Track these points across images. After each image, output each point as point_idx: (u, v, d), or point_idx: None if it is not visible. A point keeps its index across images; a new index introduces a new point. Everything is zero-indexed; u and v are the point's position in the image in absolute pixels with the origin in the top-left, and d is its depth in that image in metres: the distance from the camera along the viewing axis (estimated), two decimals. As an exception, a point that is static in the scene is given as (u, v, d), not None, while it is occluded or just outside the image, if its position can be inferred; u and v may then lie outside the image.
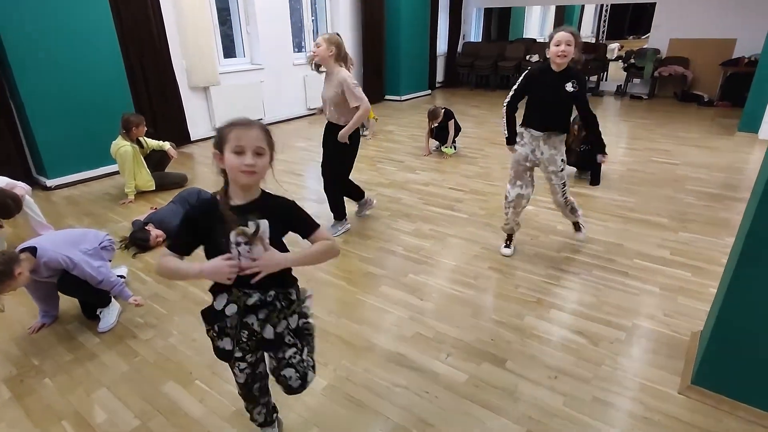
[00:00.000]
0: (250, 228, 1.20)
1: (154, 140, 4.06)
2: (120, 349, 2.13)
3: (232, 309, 1.30)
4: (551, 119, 2.60)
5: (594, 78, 9.01)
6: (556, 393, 1.85)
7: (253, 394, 1.50)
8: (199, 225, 1.25)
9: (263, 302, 1.31)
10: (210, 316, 1.34)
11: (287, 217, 1.32)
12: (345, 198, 3.31)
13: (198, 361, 2.04)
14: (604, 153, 2.90)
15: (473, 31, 10.51)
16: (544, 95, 2.56)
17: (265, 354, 1.45)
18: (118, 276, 2.51)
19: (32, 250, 2.00)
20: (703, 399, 1.80)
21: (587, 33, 12.94)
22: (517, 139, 2.74)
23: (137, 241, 3.03)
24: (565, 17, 12.62)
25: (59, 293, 2.25)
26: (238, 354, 1.37)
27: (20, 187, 2.85)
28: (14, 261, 1.91)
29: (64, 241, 2.19)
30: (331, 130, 3.01)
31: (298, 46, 7.24)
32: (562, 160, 2.69)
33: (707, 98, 7.56)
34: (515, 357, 2.05)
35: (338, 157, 3.10)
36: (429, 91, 9.31)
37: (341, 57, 2.94)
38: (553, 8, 12.49)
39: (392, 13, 8.00)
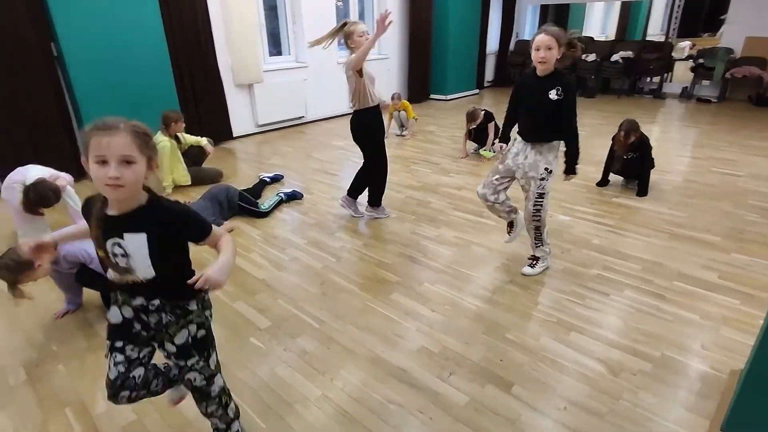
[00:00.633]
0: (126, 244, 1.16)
1: (192, 136, 4.20)
2: (131, 341, 2.20)
3: (128, 311, 1.28)
4: (537, 128, 2.41)
5: (657, 79, 8.40)
6: (563, 427, 1.70)
7: (117, 401, 1.33)
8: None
9: (145, 308, 1.26)
10: (114, 334, 1.31)
11: (177, 226, 1.22)
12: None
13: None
14: (572, 172, 2.48)
15: (527, 28, 10.10)
16: (529, 102, 2.43)
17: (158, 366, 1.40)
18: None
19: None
20: (734, 449, 1.59)
21: (656, 30, 12.08)
22: (510, 145, 2.60)
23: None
24: (631, 13, 11.84)
25: (79, 284, 2.35)
26: (119, 343, 1.30)
27: (62, 178, 3.02)
28: (35, 252, 2.00)
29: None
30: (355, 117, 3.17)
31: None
32: (546, 170, 2.42)
33: (787, 103, 6.83)
34: (523, 381, 1.91)
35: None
36: (477, 91, 9.07)
37: None
38: (617, 4, 11.76)
39: (440, 10, 7.84)
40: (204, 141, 4.22)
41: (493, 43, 9.52)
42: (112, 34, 4.18)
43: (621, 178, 4.08)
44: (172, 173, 3.97)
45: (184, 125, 4.03)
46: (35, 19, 3.91)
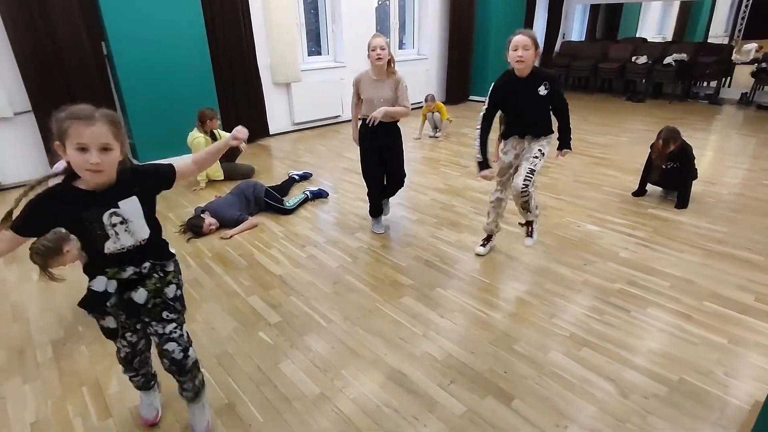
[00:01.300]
0: (124, 210, 1.28)
1: (227, 133, 4.34)
2: (149, 328, 2.31)
3: (112, 285, 1.37)
4: (533, 125, 2.56)
5: (714, 83, 7.88)
6: (560, 445, 1.64)
7: (133, 366, 1.61)
8: (54, 217, 1.26)
9: (139, 274, 1.38)
10: (92, 301, 1.40)
11: (152, 178, 1.38)
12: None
13: (210, 351, 2.14)
14: (566, 147, 2.65)
15: (575, 29, 9.75)
16: (518, 104, 2.53)
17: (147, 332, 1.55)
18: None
19: (81, 230, 2.25)
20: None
21: (719, 32, 11.33)
22: (501, 147, 2.72)
23: (192, 227, 3.27)
24: (691, 14, 11.17)
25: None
26: (121, 332, 1.48)
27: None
28: (63, 239, 2.15)
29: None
30: (388, 128, 3.03)
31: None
32: (540, 150, 2.56)
33: None
34: (525, 396, 1.86)
35: (401, 150, 3.18)
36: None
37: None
38: (676, 4, 11.14)
39: (482, 10, 7.72)
40: (238, 138, 4.36)
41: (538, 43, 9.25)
42: (157, 34, 4.40)
43: (660, 189, 3.87)
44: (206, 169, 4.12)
45: (219, 122, 4.18)
46: (88, 19, 4.17)
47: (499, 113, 2.66)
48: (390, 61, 2.92)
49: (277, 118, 6.08)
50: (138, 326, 1.52)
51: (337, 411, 1.80)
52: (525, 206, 2.64)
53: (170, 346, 1.47)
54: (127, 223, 1.30)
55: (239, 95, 5.47)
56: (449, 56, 7.93)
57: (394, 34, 7.25)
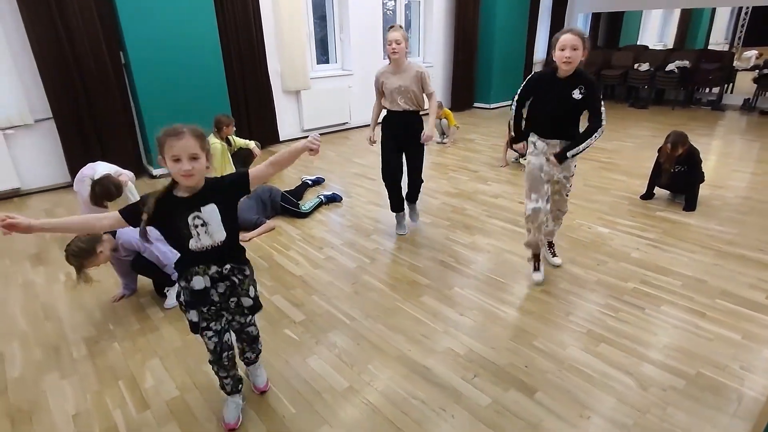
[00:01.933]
0: (205, 215, 1.48)
1: (241, 139, 4.45)
2: (178, 326, 2.38)
3: (206, 281, 1.55)
4: (560, 128, 2.45)
5: (716, 90, 7.99)
6: (584, 435, 1.70)
7: (223, 362, 1.71)
8: (155, 209, 1.46)
9: (220, 274, 1.57)
10: (196, 300, 1.58)
11: (227, 188, 1.55)
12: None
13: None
14: (564, 158, 2.42)
15: (577, 37, 9.88)
16: (549, 104, 2.41)
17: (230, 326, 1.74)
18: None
19: (113, 232, 2.33)
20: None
21: (719, 39, 11.46)
22: (529, 149, 2.57)
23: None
24: (691, 22, 11.32)
25: (134, 270, 2.58)
26: (203, 324, 1.63)
27: (125, 174, 3.30)
28: (97, 241, 2.23)
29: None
30: (411, 117, 3.05)
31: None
32: (575, 165, 2.57)
33: None
34: (547, 389, 1.92)
35: (422, 150, 3.19)
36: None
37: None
38: (677, 12, 11.28)
39: (487, 18, 7.86)
40: (252, 144, 4.46)
41: (541, 51, 9.39)
42: (173, 44, 4.51)
43: (668, 192, 3.95)
44: (222, 173, 4.21)
45: (234, 129, 4.28)
46: (107, 29, 4.29)
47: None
48: (407, 51, 2.96)
49: (287, 124, 6.19)
50: (222, 316, 1.68)
51: (366, 402, 1.86)
52: (559, 226, 2.78)
53: (250, 329, 1.78)
54: (206, 226, 1.49)
55: (251, 102, 5.58)
56: (454, 64, 8.06)
57: (401, 43, 7.36)
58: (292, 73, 5.88)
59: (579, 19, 9.66)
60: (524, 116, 2.58)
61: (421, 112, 3.11)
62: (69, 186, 4.53)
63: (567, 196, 2.66)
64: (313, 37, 6.28)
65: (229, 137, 4.27)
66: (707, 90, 8.22)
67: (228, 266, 1.58)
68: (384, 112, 3.19)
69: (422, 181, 3.34)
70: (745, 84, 8.31)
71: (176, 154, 1.39)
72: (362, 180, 4.68)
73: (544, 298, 2.58)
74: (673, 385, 1.92)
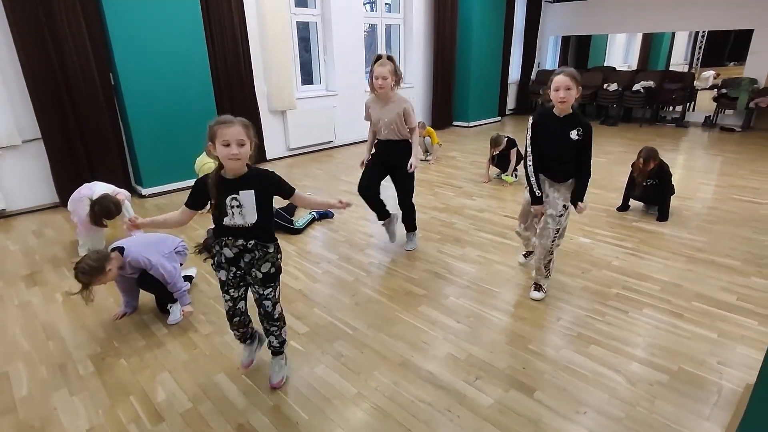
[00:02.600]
0: (241, 198, 1.73)
1: (233, 158, 4.51)
2: (183, 341, 2.42)
3: (234, 251, 1.82)
4: (561, 167, 2.50)
5: (679, 108, 8.50)
6: (582, 428, 1.82)
7: (234, 323, 2.00)
8: (203, 190, 1.77)
9: (245, 247, 1.81)
10: (224, 262, 1.87)
11: (270, 185, 1.80)
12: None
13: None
14: (581, 200, 2.57)
15: (549, 58, 10.37)
16: (549, 143, 2.47)
17: (249, 292, 1.99)
18: (188, 275, 2.86)
19: (120, 250, 2.37)
20: (745, 455, 1.69)
21: (679, 61, 12.19)
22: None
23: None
24: (653, 44, 12.02)
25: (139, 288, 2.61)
26: (224, 287, 1.90)
27: (122, 193, 3.33)
28: (106, 259, 2.27)
29: (146, 243, 2.55)
30: (395, 147, 3.15)
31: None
32: (564, 206, 2.54)
33: (812, 132, 6.83)
34: (545, 388, 2.04)
35: (409, 174, 3.20)
36: (498, 118, 9.31)
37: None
38: (639, 36, 11.97)
39: (464, 41, 8.19)
40: (243, 163, 4.53)
41: (515, 72, 9.80)
42: (163, 66, 4.58)
43: (642, 204, 4.20)
44: (213, 192, 4.26)
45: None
46: (97, 51, 4.34)
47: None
48: (399, 80, 3.02)
49: (273, 143, 6.28)
50: (241, 285, 1.92)
51: (376, 407, 1.95)
52: (548, 266, 2.70)
53: (266, 302, 1.93)
54: (241, 208, 1.73)
55: (239, 122, 5.65)
56: (434, 84, 8.34)
57: (383, 64, 7.61)
58: (278, 93, 6.01)
59: (549, 42, 10.17)
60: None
61: (409, 140, 3.18)
62: (56, 206, 4.51)
63: (553, 235, 2.59)
64: (298, 59, 6.44)
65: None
66: (671, 108, 8.73)
67: (252, 242, 1.80)
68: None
69: (413, 208, 3.37)
70: (705, 102, 8.88)
71: (227, 139, 1.62)
72: (351, 197, 4.76)
73: (534, 304, 2.72)
74: (659, 380, 2.08)
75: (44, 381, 2.15)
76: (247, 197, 1.72)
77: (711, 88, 9.54)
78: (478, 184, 5.14)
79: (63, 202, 4.35)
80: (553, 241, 2.61)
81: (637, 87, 8.32)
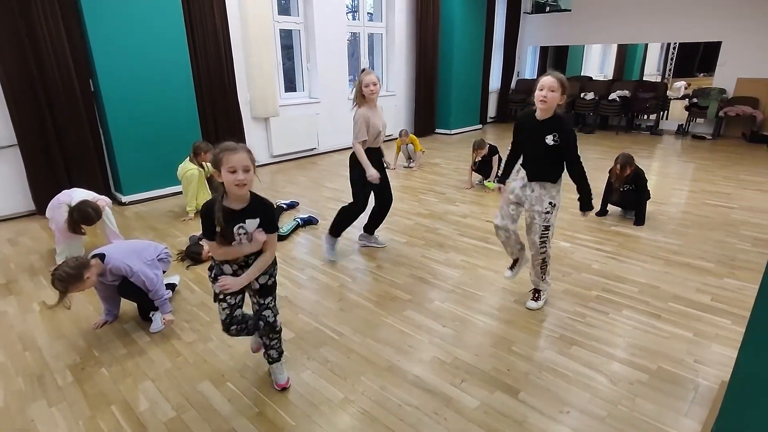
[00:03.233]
0: (248, 226, 1.78)
1: (215, 165, 4.47)
2: (166, 348, 2.38)
3: (231, 268, 1.86)
4: (538, 168, 2.49)
5: (654, 116, 8.77)
6: (565, 427, 1.86)
7: (231, 332, 1.99)
8: (212, 219, 1.74)
9: (246, 263, 1.86)
10: (219, 273, 1.88)
11: (270, 214, 1.84)
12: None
13: (231, 366, 2.24)
14: (588, 209, 2.58)
15: (528, 68, 10.60)
16: (529, 144, 2.51)
17: (248, 300, 2.00)
18: (171, 283, 2.82)
19: (101, 257, 2.33)
20: (722, 449, 1.74)
21: (652, 70, 12.58)
22: (514, 175, 2.70)
23: (192, 255, 3.35)
24: (627, 55, 12.39)
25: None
26: (221, 296, 1.90)
27: (102, 200, 3.28)
28: (85, 266, 2.23)
29: (129, 250, 2.51)
30: (381, 155, 3.35)
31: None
32: (551, 203, 2.50)
33: (778, 140, 7.12)
34: (529, 389, 2.07)
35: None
36: (480, 126, 9.45)
37: None
38: (614, 46, 12.33)
39: (445, 50, 8.32)
40: (226, 169, 4.49)
41: (495, 81, 9.98)
42: (144, 71, 4.53)
43: (619, 209, 4.31)
44: (197, 198, 4.22)
45: (211, 156, 4.31)
46: (77, 56, 4.27)
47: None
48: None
49: (256, 150, 6.22)
50: (239, 293, 1.92)
51: (363, 411, 1.95)
52: (543, 265, 2.63)
53: (266, 312, 1.95)
54: (248, 235, 1.78)
55: (221, 129, 5.62)
56: (416, 92, 8.43)
57: (365, 72, 7.67)
58: (262, 101, 5.99)
59: (528, 52, 10.40)
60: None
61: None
62: (33, 214, 4.40)
63: (540, 231, 2.54)
64: (281, 67, 6.45)
65: (203, 164, 4.30)
66: (646, 117, 8.99)
67: (252, 258, 1.85)
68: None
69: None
70: (677, 111, 9.18)
71: (233, 165, 1.63)
72: (335, 203, 4.78)
73: (518, 307, 2.76)
74: (639, 379, 2.13)
75: (21, 392, 2.08)
76: (252, 225, 1.77)
77: (683, 97, 9.88)
78: (460, 190, 5.20)
79: (40, 210, 4.25)
80: (541, 239, 2.55)
81: (613, 96, 8.56)
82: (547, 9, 9.98)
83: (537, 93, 2.32)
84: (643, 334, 2.47)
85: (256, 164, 1.75)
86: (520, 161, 2.65)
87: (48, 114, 4.19)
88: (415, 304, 2.81)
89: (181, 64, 4.83)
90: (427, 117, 8.61)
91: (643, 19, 8.43)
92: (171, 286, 2.85)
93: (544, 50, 10.72)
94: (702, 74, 12.83)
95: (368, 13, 7.74)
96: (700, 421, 1.89)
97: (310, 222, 4.12)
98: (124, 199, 4.73)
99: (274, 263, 1.95)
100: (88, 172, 4.49)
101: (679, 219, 4.18)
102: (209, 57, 5.31)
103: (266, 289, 1.94)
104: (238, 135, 5.86)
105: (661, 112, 8.81)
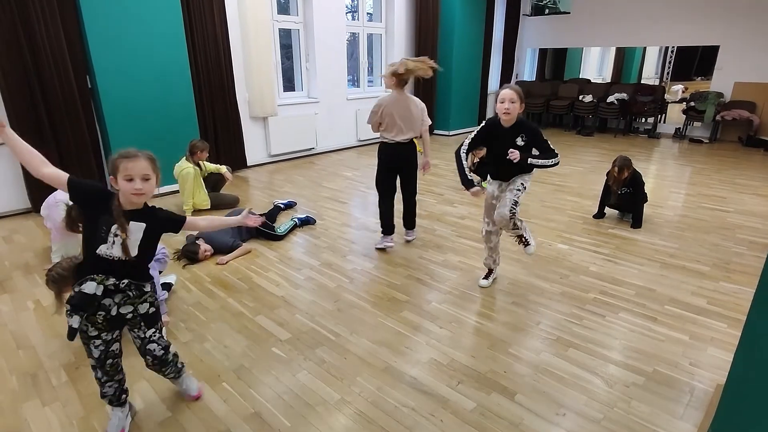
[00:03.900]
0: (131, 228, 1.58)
1: (212, 164, 4.46)
2: (162, 348, 2.37)
3: (100, 290, 1.57)
4: (517, 168, 2.66)
5: (651, 120, 8.80)
6: (561, 429, 1.86)
7: (106, 369, 1.73)
8: (91, 203, 1.57)
9: (116, 287, 1.60)
10: (82, 301, 1.57)
11: (160, 222, 1.69)
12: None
13: (227, 366, 2.24)
14: (527, 162, 2.65)
15: (527, 70, 10.62)
16: (499, 150, 2.65)
17: (126, 334, 1.79)
18: (167, 283, 2.81)
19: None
20: (718, 452, 1.75)
21: (650, 74, 12.63)
22: (489, 178, 2.92)
23: (188, 254, 3.34)
24: (625, 58, 12.44)
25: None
26: (94, 333, 1.65)
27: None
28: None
29: (125, 248, 2.49)
30: (410, 146, 3.51)
31: (355, 82, 7.72)
32: (522, 184, 2.72)
33: (775, 144, 7.16)
34: (526, 391, 2.07)
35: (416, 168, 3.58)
36: (478, 127, 9.45)
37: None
38: (613, 49, 12.37)
39: (445, 52, 8.32)
40: (224, 168, 4.48)
41: (494, 82, 9.99)
42: (142, 69, 4.52)
43: (616, 212, 4.32)
44: (193, 197, 4.21)
45: (207, 154, 4.30)
46: (74, 54, 4.25)
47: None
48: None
49: (254, 150, 6.24)
50: (116, 330, 1.71)
51: (359, 413, 1.94)
52: (515, 227, 2.77)
53: (152, 346, 1.77)
54: (122, 240, 1.56)
55: (219, 128, 5.61)
56: (415, 94, 8.41)
57: (363, 73, 7.68)
58: (260, 100, 5.98)
59: (527, 54, 10.41)
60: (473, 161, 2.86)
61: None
62: (28, 212, 4.37)
63: (511, 203, 2.68)
64: (280, 66, 6.44)
65: (200, 162, 4.29)
66: (644, 120, 9.02)
67: (126, 281, 1.62)
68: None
69: (415, 198, 3.71)
70: (675, 115, 9.21)
71: (129, 174, 1.52)
72: (333, 203, 4.79)
73: (515, 309, 2.76)
74: (634, 381, 2.13)
75: (14, 391, 2.07)
76: (136, 230, 1.58)
77: (680, 101, 9.93)
78: (458, 191, 5.20)
79: (35, 207, 4.23)
80: (511, 210, 2.68)
81: (611, 99, 8.58)
82: (546, 11, 10.00)
83: (499, 105, 2.55)
84: (640, 337, 2.47)
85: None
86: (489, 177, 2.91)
87: (44, 111, 4.17)
88: (412, 305, 2.80)
89: (179, 62, 4.81)
90: (425, 118, 8.60)
91: (642, 22, 8.45)
92: (167, 286, 2.84)
93: (542, 52, 10.75)
94: (700, 78, 12.90)
95: (368, 13, 7.74)
96: (695, 424, 1.89)
97: (307, 222, 4.11)
98: (121, 197, 4.71)
99: (153, 289, 1.78)
100: (85, 169, 4.46)
101: (675, 222, 4.19)
102: (208, 55, 5.30)
103: (149, 319, 1.73)
104: (236, 134, 5.85)
105: (659, 116, 8.83)
